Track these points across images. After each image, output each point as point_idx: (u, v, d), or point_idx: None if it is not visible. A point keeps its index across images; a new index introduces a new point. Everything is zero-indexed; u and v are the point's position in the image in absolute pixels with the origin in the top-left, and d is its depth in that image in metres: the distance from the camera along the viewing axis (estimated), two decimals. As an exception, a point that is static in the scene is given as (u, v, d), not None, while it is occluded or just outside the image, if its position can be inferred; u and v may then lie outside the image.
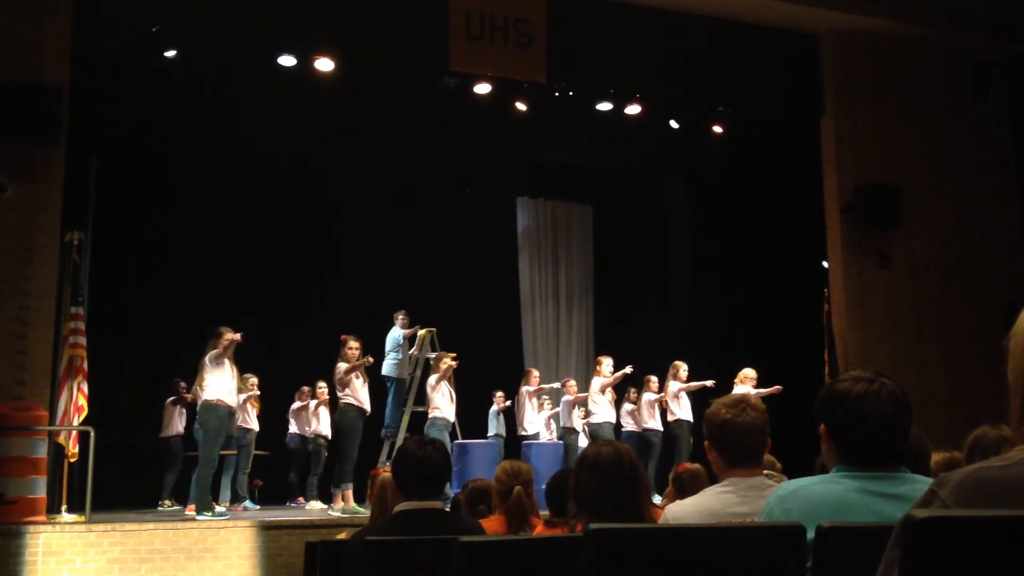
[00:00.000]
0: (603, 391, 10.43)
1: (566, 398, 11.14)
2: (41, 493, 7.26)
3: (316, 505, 9.95)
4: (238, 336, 7.99)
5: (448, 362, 9.40)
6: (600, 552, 1.68)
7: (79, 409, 7.96)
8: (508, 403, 11.29)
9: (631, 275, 13.67)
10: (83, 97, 8.40)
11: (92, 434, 7.60)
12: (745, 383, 9.93)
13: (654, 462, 10.69)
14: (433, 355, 10.00)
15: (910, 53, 10.77)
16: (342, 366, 8.72)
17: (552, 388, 11.44)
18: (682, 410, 10.45)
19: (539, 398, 11.27)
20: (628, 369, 10.26)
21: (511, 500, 3.79)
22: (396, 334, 10.15)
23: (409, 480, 3.19)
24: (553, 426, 11.43)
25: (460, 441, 9.82)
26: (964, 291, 10.64)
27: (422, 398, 9.78)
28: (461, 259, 13.31)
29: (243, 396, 9.76)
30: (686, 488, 4.48)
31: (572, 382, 11.42)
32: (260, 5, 8.61)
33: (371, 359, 8.90)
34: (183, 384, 10.22)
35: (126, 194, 10.92)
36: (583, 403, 10.99)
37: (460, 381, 9.87)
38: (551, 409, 11.54)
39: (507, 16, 9.25)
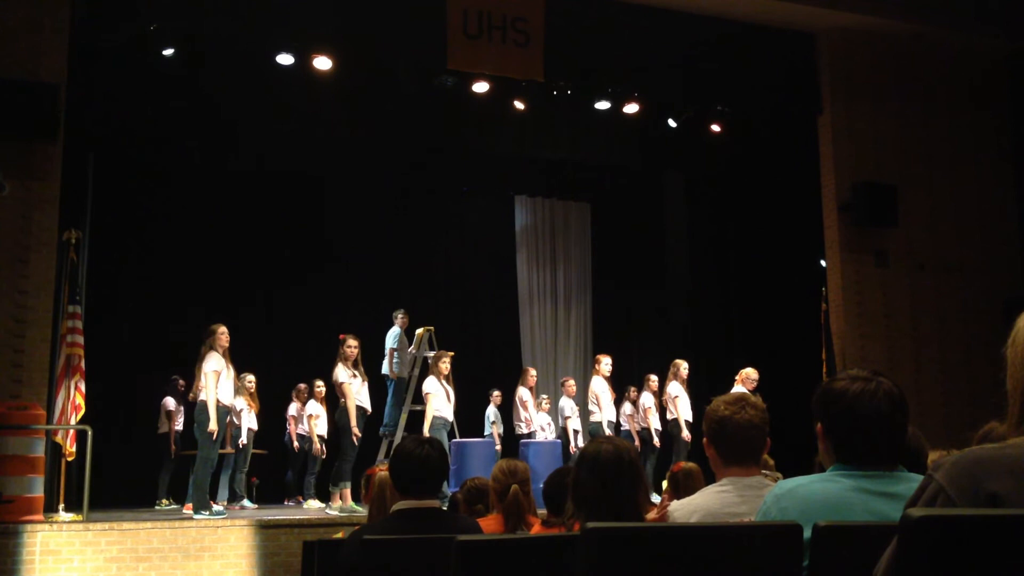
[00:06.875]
0: (600, 391, 10.47)
1: (564, 398, 11.15)
2: (39, 492, 7.26)
3: (314, 504, 9.96)
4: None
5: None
6: (597, 551, 1.68)
7: (76, 408, 7.96)
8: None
9: (629, 273, 13.67)
10: (81, 94, 8.39)
11: (90, 433, 7.59)
12: (744, 384, 9.91)
13: (652, 461, 10.69)
14: (431, 354, 10.01)
15: (907, 51, 10.78)
16: (340, 373, 8.72)
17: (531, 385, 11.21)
18: (682, 409, 10.44)
19: (536, 397, 11.27)
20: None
21: (508, 499, 3.79)
22: (395, 333, 10.16)
23: (407, 479, 3.19)
24: (552, 425, 11.43)
25: (458, 440, 9.82)
26: (961, 290, 10.65)
27: (420, 397, 9.78)
28: (459, 258, 13.31)
29: (240, 395, 9.76)
30: (680, 487, 4.49)
31: (571, 381, 11.42)
32: (258, 3, 8.61)
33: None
34: (181, 381, 10.23)
35: (123, 192, 10.92)
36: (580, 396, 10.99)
37: (458, 380, 9.87)
38: (549, 407, 11.53)
39: (505, 15, 9.24)
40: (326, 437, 10.45)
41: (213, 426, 7.83)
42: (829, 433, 2.10)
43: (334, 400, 9.18)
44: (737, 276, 12.29)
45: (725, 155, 11.19)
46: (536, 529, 3.68)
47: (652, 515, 2.93)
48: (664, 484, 5.23)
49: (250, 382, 10.27)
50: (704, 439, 2.75)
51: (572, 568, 1.72)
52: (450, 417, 9.43)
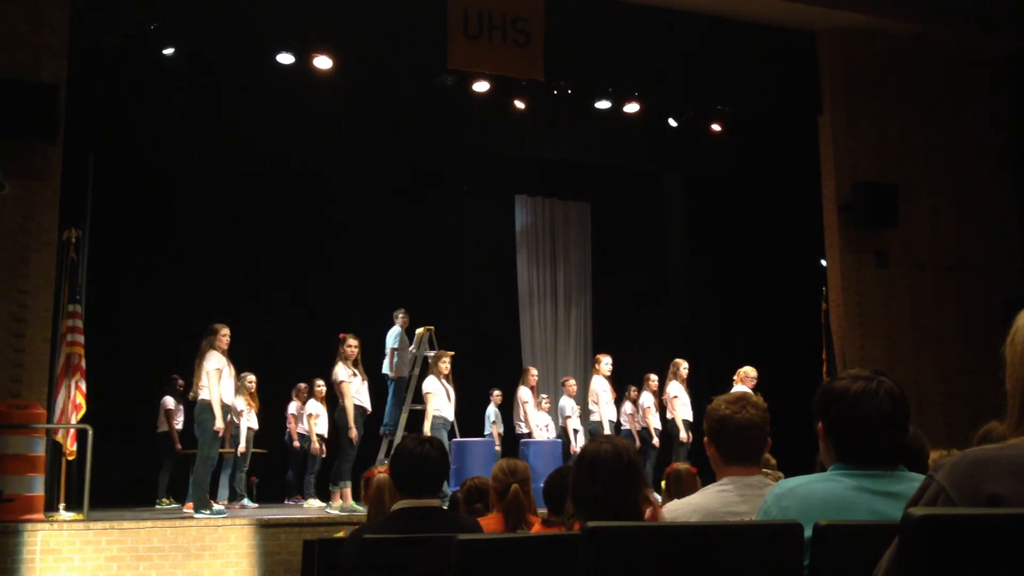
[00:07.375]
0: (600, 390, 10.46)
1: (565, 397, 11.15)
2: (39, 491, 7.26)
3: (314, 503, 9.96)
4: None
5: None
6: (597, 550, 1.68)
7: (77, 407, 7.96)
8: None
9: (629, 273, 13.67)
10: (81, 94, 8.38)
11: (90, 432, 7.59)
12: (744, 383, 9.90)
13: (652, 461, 10.69)
14: (431, 353, 10.01)
15: (908, 51, 10.78)
16: (340, 372, 8.71)
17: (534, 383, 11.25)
18: (680, 409, 10.44)
19: (536, 396, 11.27)
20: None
21: (508, 498, 3.79)
22: (396, 332, 10.16)
23: (407, 478, 3.19)
24: (552, 424, 11.43)
25: (458, 439, 9.82)
26: (961, 289, 10.65)
27: (421, 396, 9.78)
28: (460, 257, 13.31)
29: (240, 395, 9.76)
30: (672, 488, 4.50)
31: (571, 381, 11.42)
32: (258, 3, 8.60)
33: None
34: (180, 381, 10.22)
35: (124, 191, 10.91)
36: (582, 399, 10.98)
37: (458, 379, 9.87)
38: (549, 407, 11.54)
39: (505, 14, 9.25)
40: (326, 436, 10.45)
41: (220, 423, 7.83)
42: (830, 432, 2.10)
43: (334, 399, 9.18)
44: (737, 276, 12.28)
45: (725, 155, 11.18)
46: (536, 529, 3.68)
47: (648, 514, 2.93)
48: (663, 484, 5.24)
49: (250, 382, 10.28)
50: (705, 438, 2.76)
51: (572, 567, 1.72)
52: (450, 417, 9.43)
